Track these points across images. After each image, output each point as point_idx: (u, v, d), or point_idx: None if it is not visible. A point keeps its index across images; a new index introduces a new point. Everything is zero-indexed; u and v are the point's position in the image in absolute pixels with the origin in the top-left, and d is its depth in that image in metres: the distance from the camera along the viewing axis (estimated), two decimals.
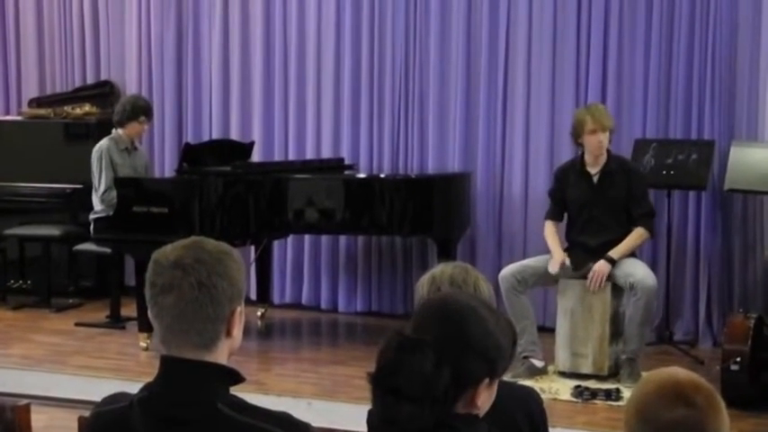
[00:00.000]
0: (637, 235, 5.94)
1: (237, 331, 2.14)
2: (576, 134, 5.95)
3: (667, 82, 6.81)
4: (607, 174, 5.96)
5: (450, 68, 7.32)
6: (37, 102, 8.37)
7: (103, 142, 7.09)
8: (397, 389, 1.85)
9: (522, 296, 5.91)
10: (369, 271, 7.60)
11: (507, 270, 5.98)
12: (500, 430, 2.10)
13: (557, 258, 5.92)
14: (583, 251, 5.97)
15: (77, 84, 8.36)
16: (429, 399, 1.85)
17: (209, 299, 2.06)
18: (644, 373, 5.61)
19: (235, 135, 7.81)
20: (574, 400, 5.58)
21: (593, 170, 5.98)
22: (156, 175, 7.84)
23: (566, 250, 6.03)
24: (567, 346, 5.95)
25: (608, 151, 6.00)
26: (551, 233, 6.12)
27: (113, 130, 7.16)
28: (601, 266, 5.82)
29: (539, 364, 5.93)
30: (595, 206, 5.98)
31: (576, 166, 6.06)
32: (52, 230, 7.68)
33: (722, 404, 1.83)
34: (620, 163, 6.05)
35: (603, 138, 5.87)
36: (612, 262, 5.83)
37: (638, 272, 5.80)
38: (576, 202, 6.06)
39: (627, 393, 5.52)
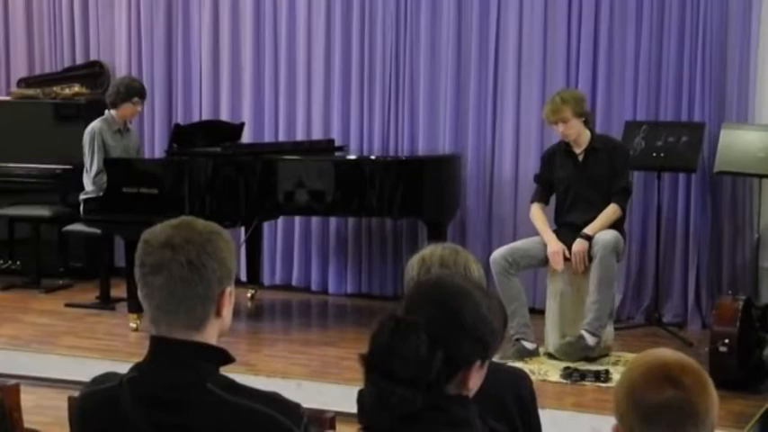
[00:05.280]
0: (610, 211, 5.95)
1: (227, 312, 2.14)
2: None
3: (658, 64, 6.81)
4: (591, 152, 5.99)
5: (441, 50, 7.30)
6: (26, 82, 8.33)
7: (96, 123, 7.06)
8: (390, 372, 1.85)
9: (514, 278, 5.91)
10: (359, 252, 7.60)
11: (498, 253, 5.98)
12: (489, 412, 2.10)
13: (555, 249, 5.87)
14: (571, 230, 5.96)
15: (67, 64, 8.32)
16: (422, 381, 1.85)
17: (199, 278, 2.06)
18: (632, 355, 5.63)
19: (225, 116, 7.78)
20: (563, 381, 5.59)
21: (578, 149, 6.01)
22: (146, 155, 7.81)
23: (554, 232, 6.04)
24: (556, 328, 5.96)
25: (591, 131, 6.02)
26: (539, 217, 6.11)
27: (106, 111, 7.13)
28: (578, 246, 5.84)
29: (530, 346, 5.93)
30: (581, 184, 6.00)
31: (562, 146, 6.09)
32: (42, 211, 7.66)
33: (711, 384, 1.83)
34: (605, 141, 6.09)
35: (564, 128, 5.91)
36: (588, 238, 5.85)
37: (601, 235, 5.81)
38: (562, 182, 6.08)
39: (616, 375, 5.53)
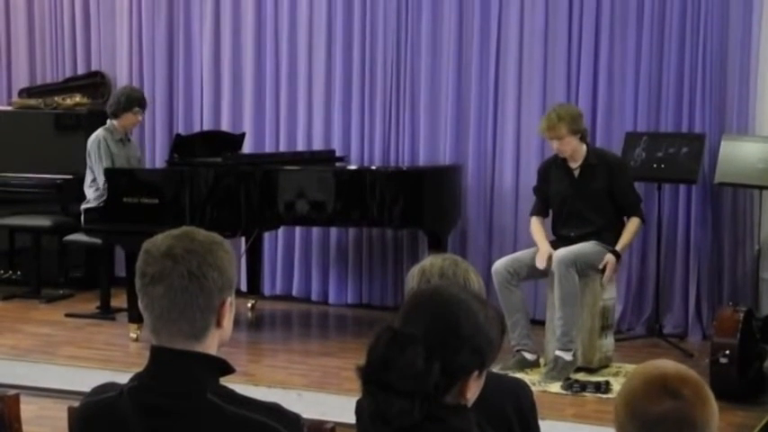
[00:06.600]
0: (634, 225, 6.00)
1: (228, 322, 2.13)
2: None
3: (658, 75, 6.82)
4: (587, 167, 5.98)
5: (442, 60, 7.32)
6: (27, 92, 8.34)
7: (99, 132, 7.06)
8: (387, 384, 1.85)
9: (516, 289, 5.91)
10: (359, 263, 7.60)
11: (500, 263, 5.98)
12: (489, 422, 2.10)
13: (543, 250, 5.91)
14: (566, 244, 5.97)
15: (68, 74, 8.33)
16: (420, 393, 1.85)
17: (200, 289, 2.06)
18: (632, 366, 5.63)
19: (226, 126, 7.79)
20: (563, 392, 5.59)
21: (574, 165, 6.01)
22: (147, 166, 7.82)
23: (552, 243, 6.03)
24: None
25: (587, 145, 6.03)
26: (538, 229, 6.12)
27: (108, 121, 7.14)
28: (609, 259, 5.86)
29: (531, 357, 5.93)
30: (577, 199, 6.00)
31: (558, 160, 6.08)
32: (42, 221, 7.66)
33: (710, 395, 1.83)
34: (600, 156, 6.07)
35: (560, 144, 5.91)
36: (617, 255, 5.89)
37: (559, 252, 5.83)
38: (557, 196, 6.09)
39: (616, 387, 5.53)
